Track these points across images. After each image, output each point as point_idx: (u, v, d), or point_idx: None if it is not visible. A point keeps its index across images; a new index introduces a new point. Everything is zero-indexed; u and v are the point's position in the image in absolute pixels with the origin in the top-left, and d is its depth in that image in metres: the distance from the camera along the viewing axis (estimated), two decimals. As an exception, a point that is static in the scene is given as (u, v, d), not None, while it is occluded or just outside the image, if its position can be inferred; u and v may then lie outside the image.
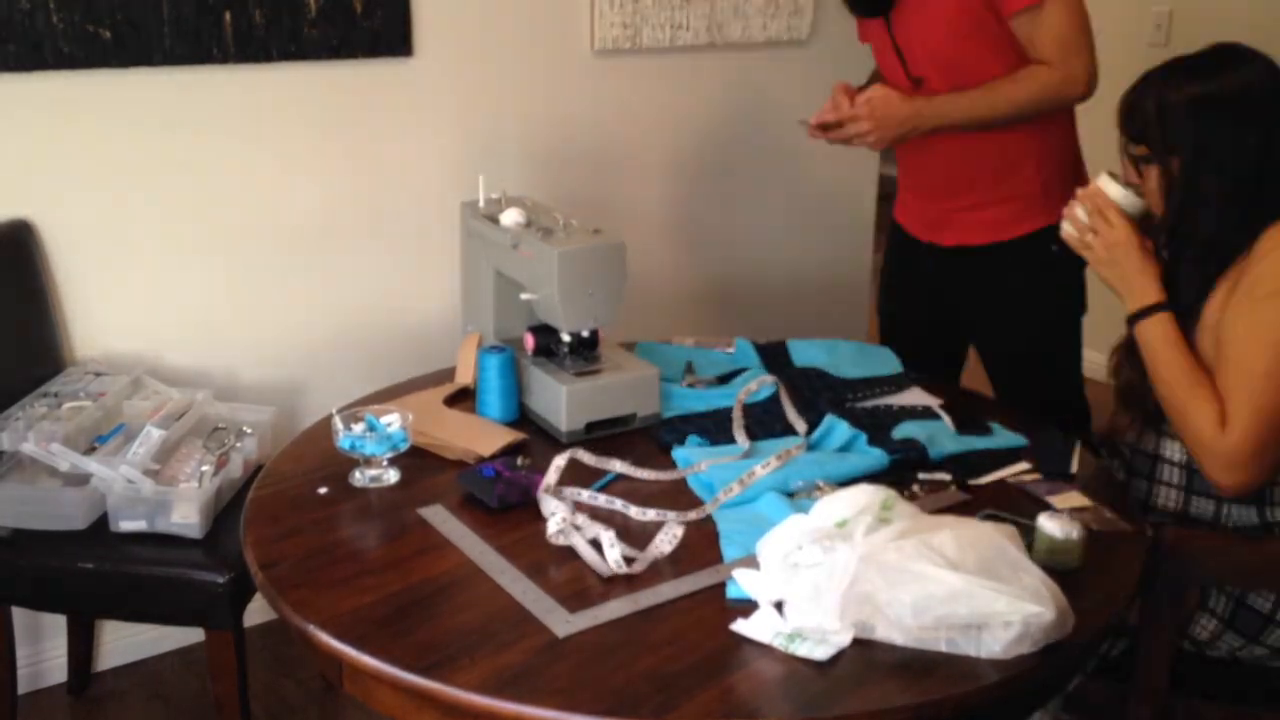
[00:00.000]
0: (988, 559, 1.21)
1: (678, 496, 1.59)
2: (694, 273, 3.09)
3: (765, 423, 1.79)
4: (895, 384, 1.96)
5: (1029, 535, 1.38)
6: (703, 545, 1.46)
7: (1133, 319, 1.65)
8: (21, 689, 2.23)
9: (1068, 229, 1.74)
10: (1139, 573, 1.41)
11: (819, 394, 1.88)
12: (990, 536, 1.25)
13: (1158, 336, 1.61)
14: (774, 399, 1.87)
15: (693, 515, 1.51)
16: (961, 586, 1.17)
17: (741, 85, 3.02)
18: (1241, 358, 1.53)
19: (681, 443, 1.71)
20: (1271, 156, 1.58)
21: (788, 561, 1.25)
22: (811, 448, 1.69)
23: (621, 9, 2.73)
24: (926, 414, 1.83)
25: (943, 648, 1.20)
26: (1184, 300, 1.62)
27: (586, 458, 1.66)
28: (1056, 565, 1.35)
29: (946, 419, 1.80)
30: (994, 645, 1.19)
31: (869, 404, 1.87)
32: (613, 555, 1.39)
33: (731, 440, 1.73)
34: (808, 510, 1.35)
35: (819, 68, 3.13)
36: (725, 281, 3.16)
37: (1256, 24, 3.63)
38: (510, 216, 1.82)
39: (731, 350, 2.11)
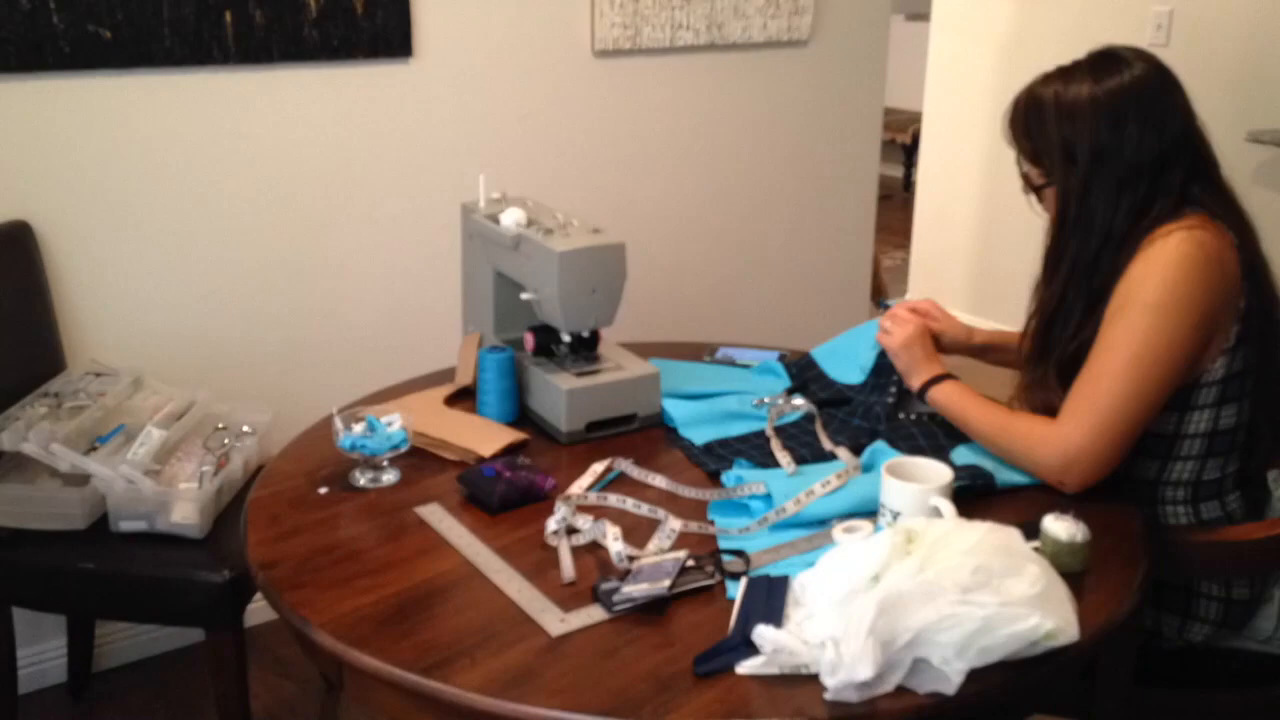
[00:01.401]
0: (1003, 572, 1.20)
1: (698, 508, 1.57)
2: (694, 273, 3.09)
3: (809, 444, 1.71)
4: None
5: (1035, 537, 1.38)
6: (703, 546, 1.46)
7: (922, 391, 1.74)
8: (21, 689, 2.23)
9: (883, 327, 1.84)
10: (1144, 576, 1.41)
11: (862, 410, 1.81)
12: (998, 550, 1.23)
13: (949, 395, 1.70)
14: (807, 422, 1.80)
15: (735, 530, 1.48)
16: (992, 613, 1.16)
17: (741, 85, 3.02)
18: (1094, 361, 1.55)
19: (729, 468, 1.63)
20: (1162, 154, 1.58)
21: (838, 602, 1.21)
22: (866, 469, 1.61)
23: (621, 9, 2.73)
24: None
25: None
26: (1071, 320, 1.63)
27: (633, 471, 1.64)
28: (1061, 568, 1.35)
29: None
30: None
31: (921, 410, 1.79)
32: (615, 548, 1.39)
33: (776, 465, 1.65)
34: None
35: (819, 68, 3.14)
36: (725, 281, 3.16)
37: (1256, 24, 3.63)
38: (510, 216, 1.81)
39: (754, 364, 2.06)
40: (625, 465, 1.66)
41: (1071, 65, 1.65)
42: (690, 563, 1.37)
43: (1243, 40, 3.64)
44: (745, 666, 1.20)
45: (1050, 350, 1.66)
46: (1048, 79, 1.66)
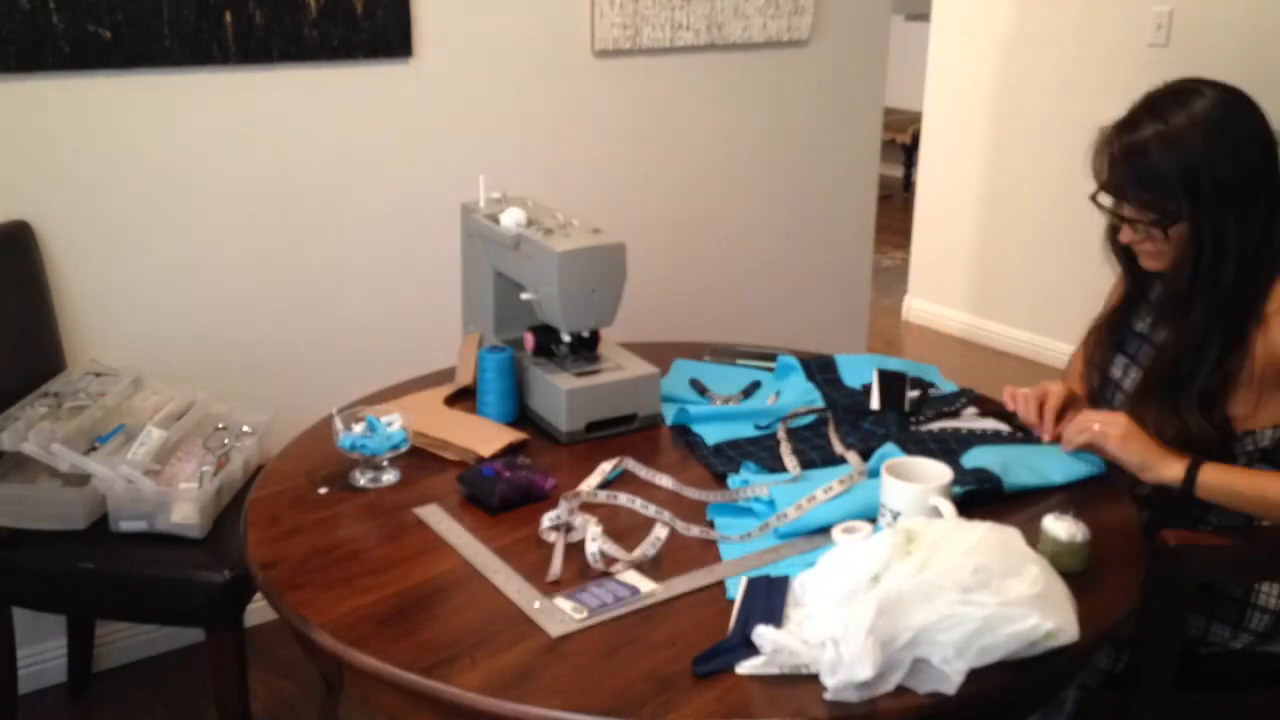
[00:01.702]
0: (1002, 573, 1.20)
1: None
2: (694, 273, 3.09)
3: (821, 447, 1.71)
4: (949, 403, 1.87)
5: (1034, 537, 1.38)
6: (700, 546, 1.46)
7: (1188, 486, 1.57)
8: (21, 689, 2.23)
9: (1074, 439, 1.64)
10: (1143, 577, 1.41)
11: (876, 417, 1.80)
12: (998, 550, 1.23)
13: (1220, 480, 1.56)
14: (820, 424, 1.79)
15: (736, 537, 1.48)
16: (992, 613, 1.16)
17: (741, 85, 3.02)
18: None
19: (736, 471, 1.63)
20: (1268, 165, 1.59)
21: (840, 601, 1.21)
22: (872, 474, 1.58)
23: (621, 9, 2.73)
24: (998, 438, 1.74)
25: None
26: (1212, 352, 1.61)
27: (640, 471, 1.64)
28: (1061, 567, 1.35)
29: (1025, 442, 1.72)
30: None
31: (934, 426, 1.78)
32: (591, 549, 1.40)
33: (784, 468, 1.64)
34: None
35: (819, 68, 3.14)
36: (725, 281, 3.16)
37: (1256, 24, 3.63)
38: (510, 216, 1.81)
39: (772, 367, 2.03)
40: (631, 464, 1.66)
41: (1150, 103, 1.63)
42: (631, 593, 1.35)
43: (1243, 40, 3.64)
44: (745, 666, 1.20)
45: (1185, 382, 1.63)
46: (1134, 122, 1.62)
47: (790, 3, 2.99)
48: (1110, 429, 1.60)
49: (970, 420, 1.82)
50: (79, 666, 2.40)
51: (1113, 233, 1.73)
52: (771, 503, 1.53)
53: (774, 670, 1.19)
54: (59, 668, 2.41)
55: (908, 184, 7.03)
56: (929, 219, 4.89)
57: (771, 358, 2.06)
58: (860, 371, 1.97)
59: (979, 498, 1.54)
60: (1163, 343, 1.69)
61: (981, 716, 1.21)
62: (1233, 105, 1.62)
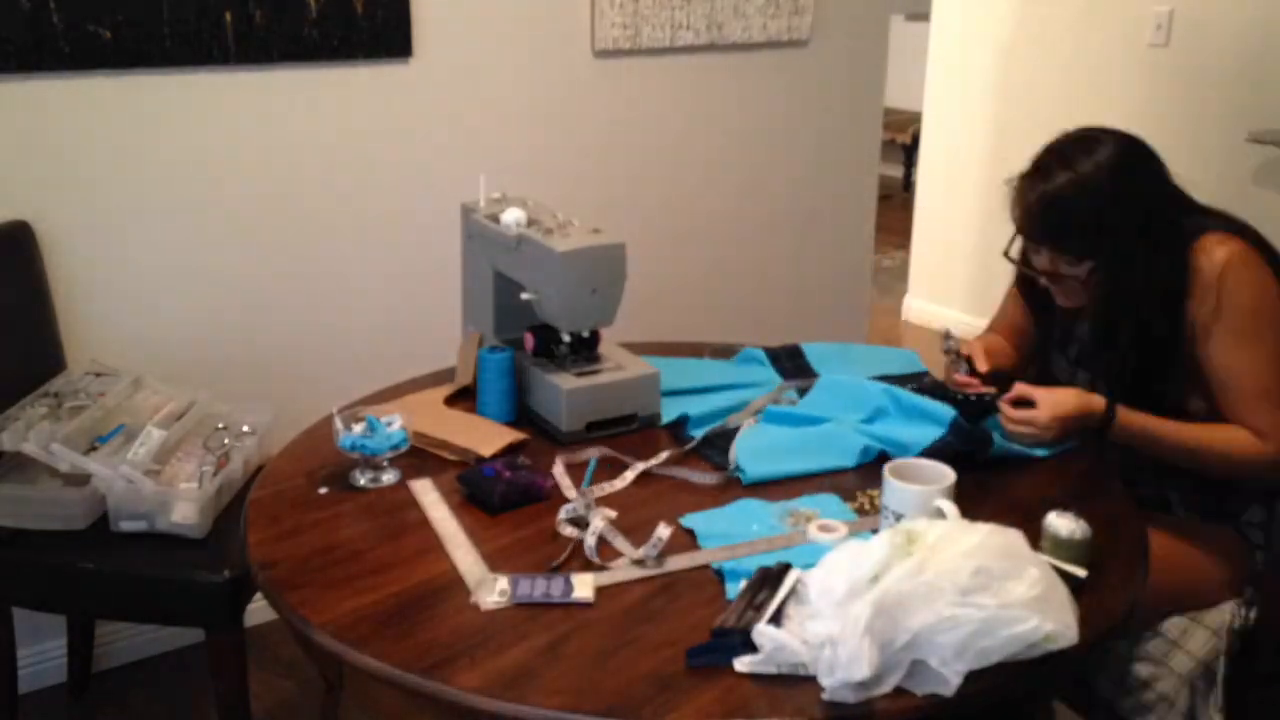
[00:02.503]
0: (1002, 575, 1.20)
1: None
2: (694, 273, 3.09)
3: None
4: (917, 382, 1.92)
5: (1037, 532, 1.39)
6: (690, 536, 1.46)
7: (1105, 427, 1.71)
8: (21, 689, 2.23)
9: (1018, 435, 1.73)
10: (1143, 575, 1.41)
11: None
12: (999, 552, 1.23)
13: (1135, 423, 1.71)
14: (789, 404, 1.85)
15: (721, 552, 1.49)
16: (991, 614, 1.16)
17: (741, 85, 3.02)
18: (1247, 377, 1.67)
19: (728, 462, 1.67)
20: (1159, 202, 1.71)
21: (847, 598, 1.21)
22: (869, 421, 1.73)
23: (621, 9, 2.73)
24: (988, 407, 1.79)
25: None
26: (1129, 371, 1.73)
27: (671, 470, 1.66)
28: (1067, 561, 1.35)
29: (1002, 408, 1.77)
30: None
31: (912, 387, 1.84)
32: (589, 543, 1.42)
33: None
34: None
35: (819, 68, 3.14)
36: (725, 281, 3.16)
37: (1256, 24, 3.63)
38: (511, 216, 1.81)
39: (734, 358, 2.05)
40: (652, 465, 1.66)
41: (1058, 152, 1.73)
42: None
43: (1243, 40, 3.64)
44: (743, 663, 1.20)
45: (1147, 396, 1.73)
46: (1046, 171, 1.71)
47: (790, 3, 2.99)
48: (1042, 433, 1.70)
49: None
50: (79, 666, 2.40)
51: (1022, 279, 1.88)
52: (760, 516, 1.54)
53: (772, 669, 1.19)
54: (59, 668, 2.41)
55: (908, 184, 7.03)
56: (929, 219, 4.88)
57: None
58: (829, 360, 2.01)
59: (973, 463, 1.59)
60: (1105, 365, 1.79)
61: (981, 717, 1.21)
62: (1132, 150, 1.71)
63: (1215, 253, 1.67)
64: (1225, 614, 1.71)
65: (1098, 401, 1.71)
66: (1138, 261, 1.69)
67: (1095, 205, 1.67)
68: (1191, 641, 1.71)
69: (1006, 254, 1.84)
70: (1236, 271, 1.66)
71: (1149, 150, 1.73)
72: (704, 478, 1.63)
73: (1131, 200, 1.68)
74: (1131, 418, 1.70)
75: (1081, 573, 1.35)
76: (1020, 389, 1.73)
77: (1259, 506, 1.78)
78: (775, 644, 1.19)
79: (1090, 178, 1.67)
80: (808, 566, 1.30)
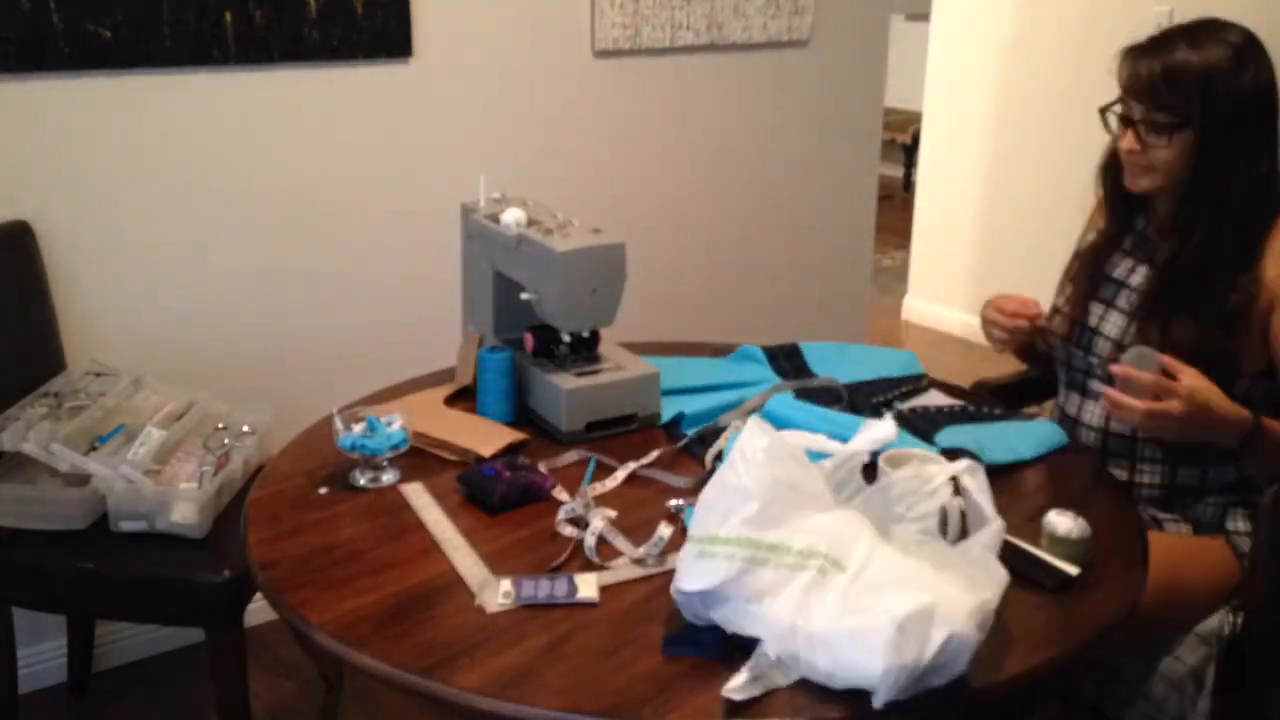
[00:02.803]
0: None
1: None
2: (694, 273, 3.09)
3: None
4: (914, 385, 1.92)
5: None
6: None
7: (1249, 445, 1.60)
8: (21, 689, 2.23)
9: (1135, 411, 1.57)
10: (1144, 576, 1.41)
11: (849, 398, 1.84)
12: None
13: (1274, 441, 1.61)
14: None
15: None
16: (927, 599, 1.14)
17: (741, 85, 3.02)
18: None
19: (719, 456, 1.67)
20: (1269, 107, 1.68)
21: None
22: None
23: (621, 9, 2.73)
24: (965, 415, 1.79)
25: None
26: (1217, 269, 1.67)
27: (658, 475, 1.65)
28: (1064, 559, 1.35)
29: (998, 421, 1.77)
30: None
31: (905, 406, 1.83)
32: (589, 543, 1.42)
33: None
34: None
35: (819, 68, 3.14)
36: (725, 281, 3.16)
37: (1256, 24, 3.62)
38: (511, 216, 1.81)
39: (731, 356, 2.05)
40: (651, 471, 1.66)
41: (1180, 27, 1.73)
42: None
43: (1243, 40, 3.63)
44: (730, 689, 1.15)
45: (1197, 296, 1.68)
46: (1164, 37, 1.72)
47: (790, 3, 2.99)
48: (1174, 406, 1.54)
49: (935, 399, 1.88)
50: (79, 666, 2.39)
51: (1109, 158, 1.80)
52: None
53: (759, 691, 1.16)
54: (59, 668, 2.41)
55: (908, 184, 7.03)
56: (929, 219, 4.88)
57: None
58: (828, 360, 2.01)
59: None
60: (1168, 258, 1.73)
61: (987, 713, 1.21)
62: (1255, 42, 1.70)
63: None
64: (1215, 622, 1.69)
65: (1241, 410, 1.58)
66: (1236, 144, 1.66)
67: (1205, 69, 1.65)
68: (1182, 647, 1.68)
69: (1105, 108, 1.76)
70: None
71: (1267, 54, 1.70)
72: (680, 480, 1.61)
73: (1247, 79, 1.66)
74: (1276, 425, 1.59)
75: (1073, 570, 1.35)
76: (1169, 360, 1.58)
77: (1243, 515, 1.74)
78: (756, 672, 1.17)
79: (1211, 53, 1.66)
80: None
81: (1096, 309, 1.84)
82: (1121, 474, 1.79)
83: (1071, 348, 1.86)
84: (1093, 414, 1.83)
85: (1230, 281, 1.67)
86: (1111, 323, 1.81)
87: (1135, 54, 1.73)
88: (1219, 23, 1.71)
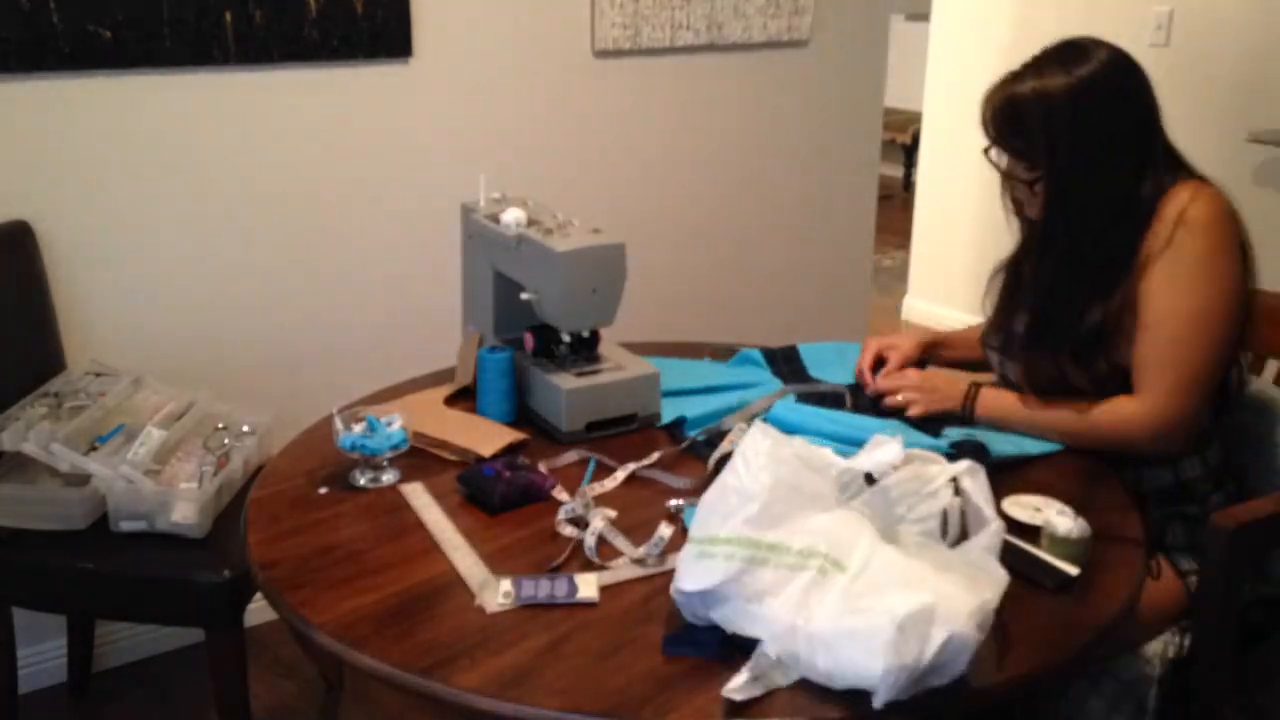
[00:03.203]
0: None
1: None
2: (694, 273, 3.09)
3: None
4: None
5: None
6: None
7: (970, 411, 1.75)
8: (21, 689, 2.23)
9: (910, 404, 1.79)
10: (1140, 579, 1.41)
11: (852, 399, 1.85)
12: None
13: (1000, 400, 1.74)
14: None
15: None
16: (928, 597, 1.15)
17: (741, 85, 3.02)
18: (1156, 329, 1.62)
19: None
20: (1140, 128, 1.66)
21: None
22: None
23: (621, 9, 2.73)
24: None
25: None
26: (1075, 304, 1.68)
27: (658, 475, 1.65)
28: (1062, 559, 1.35)
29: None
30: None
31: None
32: (589, 543, 1.42)
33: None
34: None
35: (819, 68, 3.14)
36: (725, 281, 3.16)
37: (1256, 24, 3.63)
38: (511, 216, 1.81)
39: (731, 360, 2.04)
40: (651, 471, 1.66)
41: (1038, 59, 1.70)
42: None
43: (1243, 40, 3.64)
44: (731, 689, 1.15)
45: (1057, 335, 1.70)
46: (1019, 76, 1.68)
47: (790, 3, 2.99)
48: (912, 396, 1.78)
49: None
50: (79, 666, 2.40)
51: (1004, 178, 1.80)
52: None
53: (759, 691, 1.16)
54: (59, 668, 2.41)
55: (908, 184, 7.03)
56: (929, 219, 4.88)
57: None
58: (825, 360, 2.01)
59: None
60: (1031, 304, 1.77)
61: (979, 717, 1.21)
62: (1115, 70, 1.65)
63: (1183, 194, 1.62)
64: (1159, 643, 1.66)
65: (957, 383, 1.75)
66: (1081, 185, 1.64)
67: (1047, 117, 1.62)
68: (1123, 667, 1.66)
69: (985, 151, 1.74)
70: (1204, 219, 1.60)
71: (1135, 83, 1.66)
72: (680, 481, 1.61)
73: (1091, 122, 1.62)
74: (992, 402, 1.73)
75: (1074, 570, 1.35)
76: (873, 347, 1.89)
77: (1182, 528, 1.73)
78: (756, 672, 1.17)
79: (1055, 89, 1.62)
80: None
81: (1022, 317, 1.84)
82: None
83: (1002, 356, 1.85)
84: None
85: (1099, 306, 1.67)
86: (1022, 323, 1.82)
87: (989, 94, 1.71)
88: (1081, 47, 1.68)
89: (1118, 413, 1.65)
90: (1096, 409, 1.67)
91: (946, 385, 1.79)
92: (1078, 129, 1.62)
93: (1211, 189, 1.65)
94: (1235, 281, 1.62)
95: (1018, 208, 1.79)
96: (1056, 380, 1.70)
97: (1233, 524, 1.49)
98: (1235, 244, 1.63)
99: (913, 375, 1.85)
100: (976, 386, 1.76)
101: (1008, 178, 1.74)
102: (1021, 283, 1.83)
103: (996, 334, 1.86)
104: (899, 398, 1.80)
